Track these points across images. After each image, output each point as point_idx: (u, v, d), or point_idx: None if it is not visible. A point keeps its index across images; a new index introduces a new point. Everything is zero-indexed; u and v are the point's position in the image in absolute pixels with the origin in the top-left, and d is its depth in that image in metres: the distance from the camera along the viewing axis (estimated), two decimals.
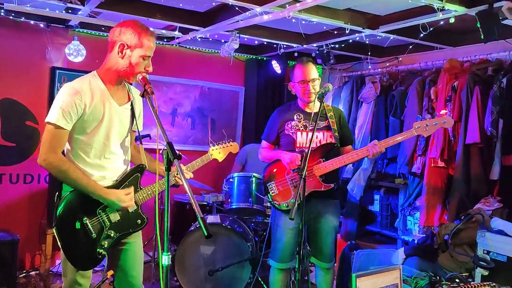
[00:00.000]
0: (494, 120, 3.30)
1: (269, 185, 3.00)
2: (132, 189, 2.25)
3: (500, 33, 2.95)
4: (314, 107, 2.99)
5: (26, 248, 4.18)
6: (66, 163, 2.12)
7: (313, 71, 2.97)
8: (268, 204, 3.87)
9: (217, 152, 2.60)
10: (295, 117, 3.03)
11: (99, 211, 2.19)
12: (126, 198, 2.20)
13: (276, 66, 5.02)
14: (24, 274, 4.14)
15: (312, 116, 2.97)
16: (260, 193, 3.90)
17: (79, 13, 3.66)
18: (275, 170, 3.01)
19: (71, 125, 2.11)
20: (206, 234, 1.52)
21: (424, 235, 3.63)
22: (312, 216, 2.95)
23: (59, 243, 2.14)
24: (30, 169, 4.26)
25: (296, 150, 2.96)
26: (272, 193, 2.98)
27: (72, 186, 2.14)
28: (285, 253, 2.98)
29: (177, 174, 2.31)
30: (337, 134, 2.99)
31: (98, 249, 2.18)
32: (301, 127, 3.01)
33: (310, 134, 2.91)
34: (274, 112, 3.15)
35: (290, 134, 3.00)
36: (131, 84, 2.32)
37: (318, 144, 2.95)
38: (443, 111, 2.82)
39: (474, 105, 3.43)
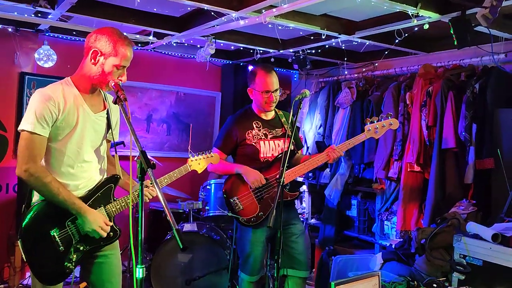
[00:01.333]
0: (467, 125, 3.35)
1: (232, 201, 2.89)
2: (111, 223, 2.18)
3: (473, 39, 3.00)
4: (269, 113, 3.01)
5: None
6: (48, 175, 2.03)
7: (276, 81, 2.93)
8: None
9: (197, 164, 2.48)
10: (254, 125, 2.97)
11: (68, 223, 2.10)
12: (103, 225, 2.12)
13: None
14: None
15: (270, 123, 2.99)
16: None
17: (49, 17, 3.55)
18: (237, 184, 2.91)
19: (48, 131, 2.04)
20: (181, 246, 1.47)
21: (401, 240, 3.65)
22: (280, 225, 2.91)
23: (23, 256, 2.05)
24: None
25: (261, 160, 2.92)
26: (238, 208, 2.88)
27: (50, 199, 2.05)
28: (256, 266, 2.93)
29: (150, 183, 2.24)
30: (293, 141, 2.96)
31: (66, 263, 2.08)
32: (262, 135, 2.96)
33: (276, 142, 2.96)
34: (229, 120, 3.03)
35: (253, 144, 2.92)
36: (107, 92, 2.26)
37: (280, 152, 2.93)
38: (389, 113, 2.91)
39: (449, 110, 3.47)
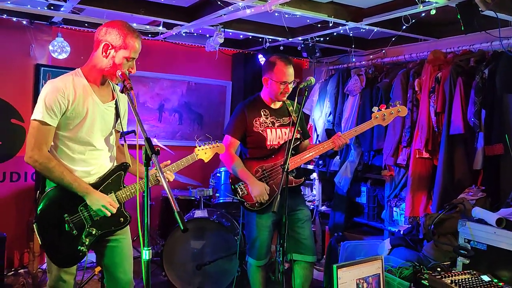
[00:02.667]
0: (476, 111, 3.33)
1: (238, 186, 2.97)
2: (117, 205, 2.25)
3: (480, 24, 2.97)
4: (278, 102, 3.05)
5: (14, 246, 4.17)
6: (52, 160, 2.13)
7: (293, 72, 2.96)
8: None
9: (203, 153, 2.57)
10: (262, 113, 3.01)
11: (81, 207, 2.20)
12: (107, 205, 2.20)
13: (263, 60, 5.03)
14: (12, 272, 4.14)
15: (277, 112, 3.03)
16: None
17: (62, 9, 3.63)
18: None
19: (56, 121, 2.13)
20: (182, 228, 1.54)
21: (410, 226, 3.67)
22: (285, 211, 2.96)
23: (39, 239, 2.15)
24: (16, 167, 4.24)
25: (268, 148, 2.97)
26: (242, 193, 2.95)
27: (57, 183, 2.15)
28: (263, 250, 3.00)
29: (157, 175, 2.32)
30: (299, 129, 2.99)
31: (79, 247, 2.19)
32: (269, 124, 3.00)
33: (283, 130, 3.00)
34: (240, 107, 3.06)
35: (260, 131, 2.97)
36: (116, 84, 2.32)
37: (287, 140, 2.96)
38: (397, 101, 2.92)
39: (458, 96, 3.46)
